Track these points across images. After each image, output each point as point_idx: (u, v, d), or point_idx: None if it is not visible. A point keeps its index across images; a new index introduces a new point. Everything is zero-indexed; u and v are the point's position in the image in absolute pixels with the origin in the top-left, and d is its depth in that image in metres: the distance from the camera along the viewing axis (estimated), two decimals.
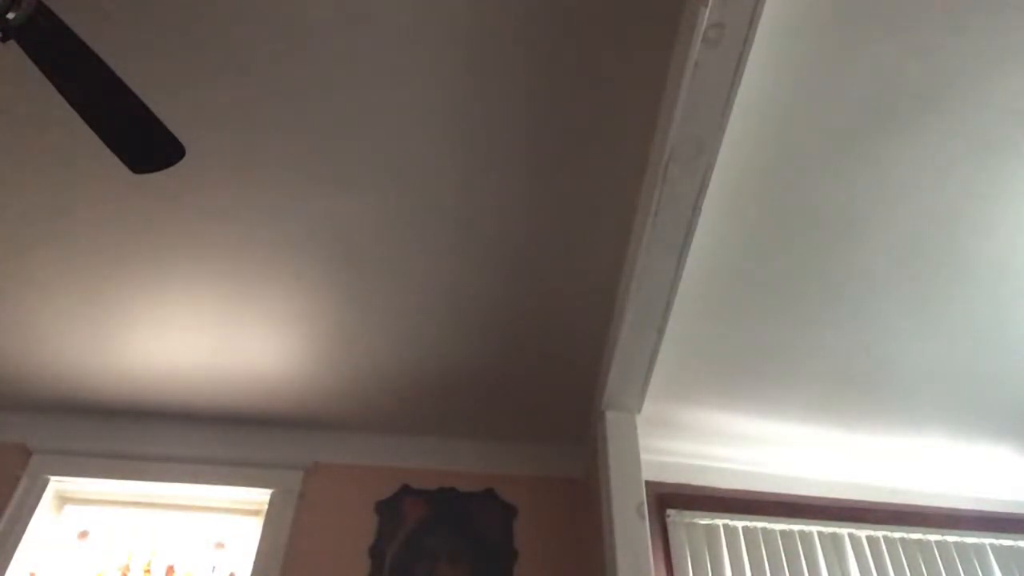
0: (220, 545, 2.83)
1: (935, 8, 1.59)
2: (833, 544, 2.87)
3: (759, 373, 2.64)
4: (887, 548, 2.89)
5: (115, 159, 1.58)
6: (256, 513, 2.86)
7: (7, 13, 1.30)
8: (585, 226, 2.14)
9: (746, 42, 1.53)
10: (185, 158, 1.61)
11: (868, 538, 2.90)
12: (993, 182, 1.97)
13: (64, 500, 2.87)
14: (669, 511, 2.83)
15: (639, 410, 2.60)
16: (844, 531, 2.91)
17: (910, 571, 2.84)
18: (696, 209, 1.88)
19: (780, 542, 2.82)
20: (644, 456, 2.51)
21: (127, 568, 2.69)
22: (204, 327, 2.53)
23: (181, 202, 2.11)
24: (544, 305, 2.42)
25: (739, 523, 2.84)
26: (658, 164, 1.82)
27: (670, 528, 2.79)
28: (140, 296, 2.42)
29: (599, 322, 2.45)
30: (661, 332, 2.25)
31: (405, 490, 2.91)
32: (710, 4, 1.46)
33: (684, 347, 2.46)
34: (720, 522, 2.83)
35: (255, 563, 2.66)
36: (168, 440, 2.93)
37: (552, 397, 2.84)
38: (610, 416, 2.58)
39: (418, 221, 2.14)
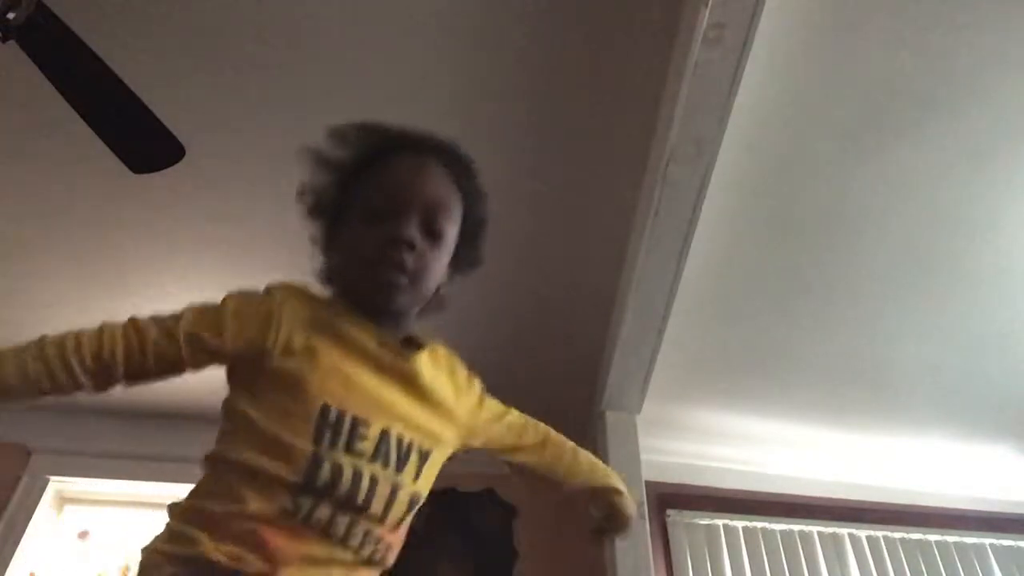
0: None
1: (934, 10, 1.59)
2: (833, 544, 2.87)
3: (759, 373, 2.63)
4: (887, 548, 2.89)
5: (115, 159, 1.58)
6: None
7: (7, 13, 1.30)
8: (585, 226, 2.14)
9: (746, 42, 1.53)
10: (185, 158, 1.61)
11: (868, 538, 2.90)
12: (992, 182, 1.97)
13: (64, 500, 2.86)
14: (669, 511, 2.83)
15: (639, 410, 2.60)
16: (844, 531, 2.91)
17: (910, 571, 2.84)
18: (696, 209, 1.88)
19: (780, 542, 2.82)
20: (644, 456, 2.50)
21: (127, 569, 2.69)
22: None
23: (181, 202, 2.11)
24: (544, 305, 2.42)
25: (739, 523, 2.84)
26: (658, 164, 1.82)
27: (670, 528, 2.79)
28: (140, 296, 2.42)
29: (599, 322, 2.45)
30: (661, 332, 2.25)
31: None
32: (710, 4, 1.46)
33: (684, 347, 2.46)
34: (720, 522, 2.83)
35: None
36: (168, 440, 2.92)
37: (552, 397, 2.83)
38: (610, 416, 2.58)
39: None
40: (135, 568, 0.85)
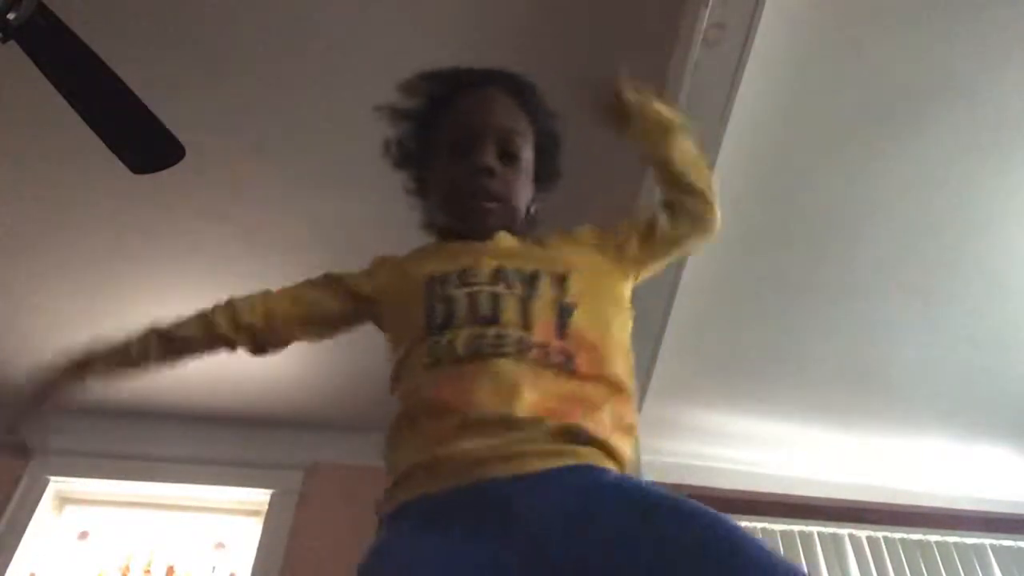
0: (220, 545, 2.83)
1: (933, 9, 1.59)
2: (833, 544, 2.87)
3: (759, 373, 2.63)
4: (887, 548, 2.89)
5: (115, 159, 1.58)
6: (256, 513, 2.86)
7: (7, 13, 1.30)
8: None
9: (746, 42, 1.53)
10: (185, 158, 1.61)
11: (868, 538, 2.90)
12: (992, 182, 1.97)
13: (64, 500, 2.86)
14: None
15: (639, 410, 2.59)
16: (844, 531, 2.90)
17: (910, 571, 2.84)
18: None
19: (780, 542, 2.82)
20: (644, 456, 2.50)
21: (127, 569, 2.69)
22: None
23: (181, 202, 2.11)
24: None
25: (739, 523, 2.83)
26: None
27: None
28: (139, 296, 2.42)
29: None
30: (661, 333, 2.25)
31: None
32: (710, 4, 1.46)
33: (684, 347, 2.46)
34: None
35: (255, 563, 2.66)
36: (168, 440, 2.93)
37: None
38: None
39: (419, 221, 2.14)
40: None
